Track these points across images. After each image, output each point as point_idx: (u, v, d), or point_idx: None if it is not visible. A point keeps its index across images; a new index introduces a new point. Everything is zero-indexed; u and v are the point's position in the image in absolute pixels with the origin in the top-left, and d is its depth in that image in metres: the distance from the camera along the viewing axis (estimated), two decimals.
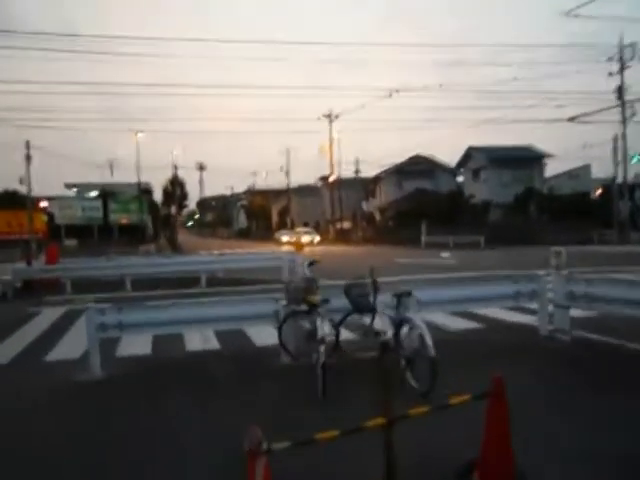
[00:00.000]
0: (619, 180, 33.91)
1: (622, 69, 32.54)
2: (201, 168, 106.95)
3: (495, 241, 32.97)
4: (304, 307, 5.59)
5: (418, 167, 48.52)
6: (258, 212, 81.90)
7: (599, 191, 38.73)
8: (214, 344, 6.91)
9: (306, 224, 59.29)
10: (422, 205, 41.46)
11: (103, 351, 5.91)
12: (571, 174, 59.39)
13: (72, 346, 7.12)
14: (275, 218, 77.00)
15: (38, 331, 8.43)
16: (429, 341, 4.42)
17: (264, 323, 6.31)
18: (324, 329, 4.71)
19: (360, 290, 5.47)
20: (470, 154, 43.26)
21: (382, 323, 5.22)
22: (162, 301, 7.26)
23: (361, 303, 5.43)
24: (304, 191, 71.63)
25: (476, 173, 43.01)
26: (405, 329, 4.85)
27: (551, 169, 43.41)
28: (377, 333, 5.17)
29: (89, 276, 14.00)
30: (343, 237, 46.49)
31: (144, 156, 44.91)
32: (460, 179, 48.32)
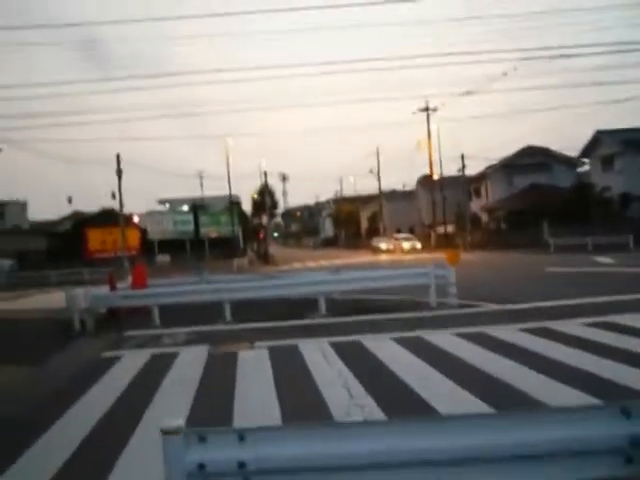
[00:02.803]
0: None
1: None
2: (284, 179, 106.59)
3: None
4: None
5: (531, 160, 42.63)
6: (345, 219, 78.82)
7: None
8: None
9: (398, 230, 55.13)
10: (539, 202, 35.92)
11: None
12: None
13: (150, 454, 3.77)
14: (364, 225, 73.37)
15: (104, 407, 5.31)
16: None
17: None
18: None
19: None
20: (599, 139, 36.81)
21: None
22: (326, 423, 3.87)
23: None
24: (395, 195, 67.55)
25: (607, 161, 36.44)
26: None
27: None
28: None
29: (181, 302, 11.14)
30: (447, 243, 41.73)
31: (225, 167, 43.14)
32: (583, 170, 41.76)
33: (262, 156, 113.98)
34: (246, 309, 11.28)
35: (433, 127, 41.71)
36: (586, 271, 15.98)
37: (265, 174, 45.85)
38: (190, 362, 7.04)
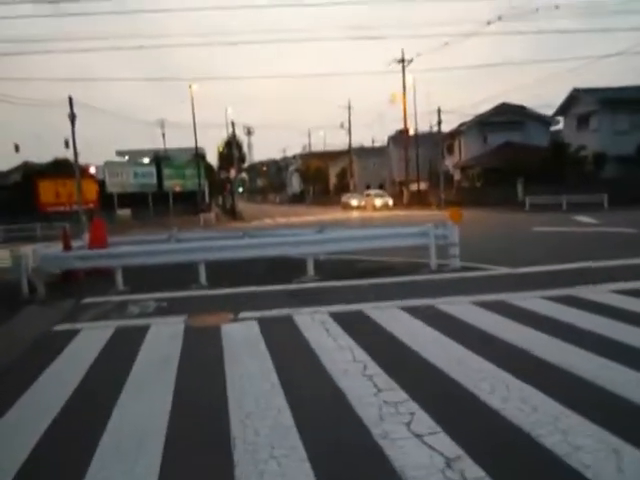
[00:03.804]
0: None
1: None
2: (249, 132, 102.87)
3: (615, 201, 27.10)
4: None
5: (505, 117, 41.91)
6: (314, 175, 77.01)
7: None
8: None
9: (368, 187, 54.29)
10: (514, 160, 35.43)
11: None
12: None
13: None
14: (333, 181, 71.95)
15: (56, 404, 4.08)
16: None
17: None
18: None
19: None
20: (575, 97, 36.20)
21: None
22: None
23: None
24: (365, 151, 66.20)
25: (583, 120, 36.00)
26: None
27: None
28: None
29: (148, 264, 9.77)
30: (419, 200, 41.08)
31: (190, 117, 40.41)
32: (557, 128, 41.39)
33: (228, 105, 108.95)
34: (222, 271, 10.03)
35: (409, 80, 40.13)
36: (575, 231, 15.41)
37: (232, 124, 43.48)
38: (164, 339, 5.84)
